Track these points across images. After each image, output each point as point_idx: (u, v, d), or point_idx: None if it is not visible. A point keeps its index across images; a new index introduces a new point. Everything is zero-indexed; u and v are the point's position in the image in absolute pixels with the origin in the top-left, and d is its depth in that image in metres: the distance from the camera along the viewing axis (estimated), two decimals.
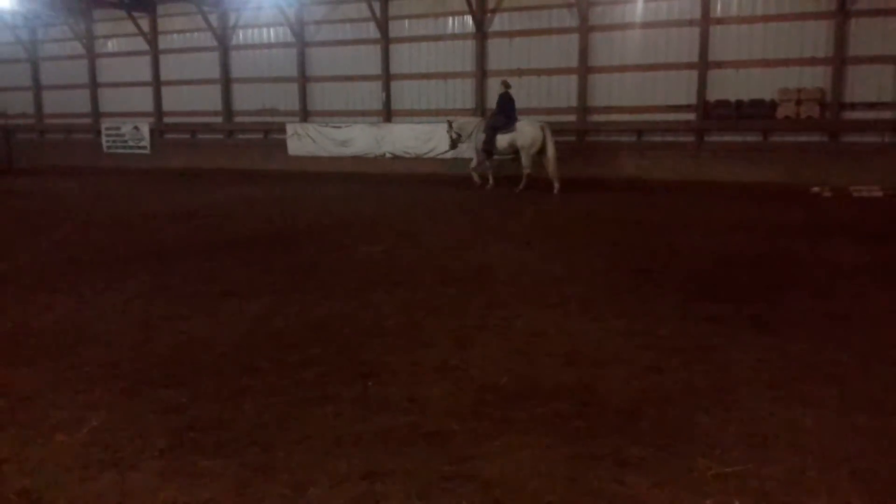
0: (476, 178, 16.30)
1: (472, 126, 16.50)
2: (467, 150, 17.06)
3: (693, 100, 16.98)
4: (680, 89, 17.10)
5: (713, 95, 16.79)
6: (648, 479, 3.23)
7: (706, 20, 16.63)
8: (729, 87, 16.64)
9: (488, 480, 3.23)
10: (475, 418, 3.90)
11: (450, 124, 17.03)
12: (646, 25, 17.22)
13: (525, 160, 15.35)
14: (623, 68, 17.59)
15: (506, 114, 15.72)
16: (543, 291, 6.72)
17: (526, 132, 15.37)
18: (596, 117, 18.13)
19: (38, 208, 13.60)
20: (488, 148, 15.78)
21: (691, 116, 17.09)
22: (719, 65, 16.70)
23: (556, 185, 15.15)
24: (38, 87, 26.06)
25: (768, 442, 3.60)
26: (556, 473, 3.28)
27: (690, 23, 16.79)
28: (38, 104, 26.18)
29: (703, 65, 16.76)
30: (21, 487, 3.21)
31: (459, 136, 16.78)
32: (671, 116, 17.29)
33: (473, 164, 16.46)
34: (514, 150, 15.54)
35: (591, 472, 3.29)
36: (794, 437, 3.64)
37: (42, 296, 6.71)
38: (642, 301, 6.34)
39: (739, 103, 16.55)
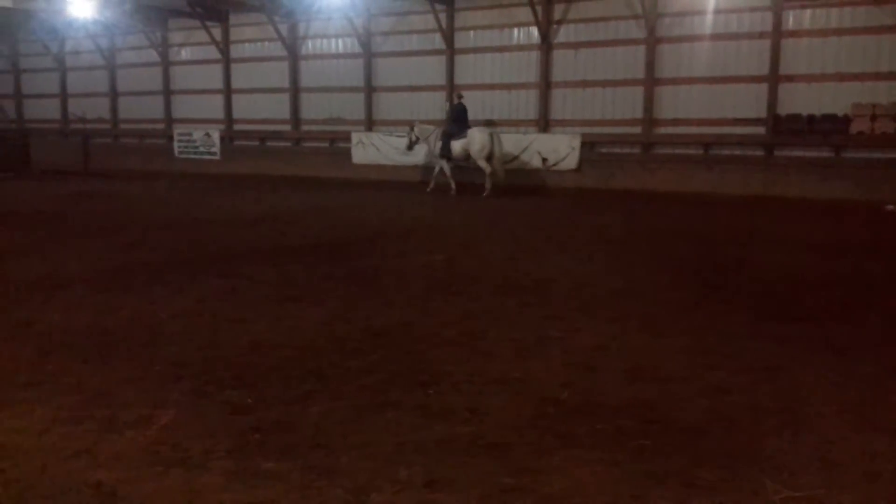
0: (432, 183, 17.62)
1: (430, 132, 17.90)
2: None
3: (763, 113, 16.60)
4: (749, 103, 16.73)
5: (784, 109, 16.38)
6: (714, 500, 3.17)
7: (777, 33, 16.24)
8: (800, 100, 16.21)
9: (549, 495, 3.21)
10: (535, 431, 3.88)
11: (411, 127, 18.40)
12: (715, 38, 16.91)
13: (482, 165, 16.67)
14: (691, 80, 17.30)
15: (459, 122, 17.30)
16: (605, 305, 6.66)
17: (476, 138, 16.73)
18: (662, 130, 17.88)
19: (112, 210, 14.07)
20: (445, 153, 17.22)
21: (761, 130, 16.71)
22: (790, 78, 16.28)
23: (488, 189, 16.49)
24: (114, 94, 26.99)
25: (839, 467, 3.49)
26: (619, 492, 3.24)
27: (761, 35, 16.42)
28: (114, 110, 27.10)
29: (774, 78, 16.37)
30: (95, 480, 3.32)
31: (418, 139, 18.20)
32: (740, 130, 16.93)
33: (436, 171, 17.75)
34: (468, 156, 16.93)
35: (655, 491, 3.24)
36: (867, 464, 3.52)
37: (115, 296, 6.93)
38: (708, 318, 6.22)
39: (811, 118, 16.10)
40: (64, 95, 28.20)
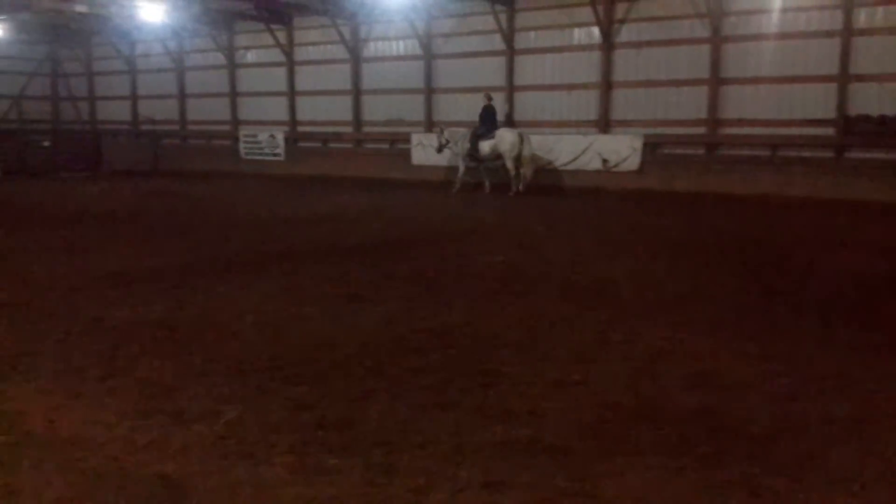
0: (458, 184, 17.88)
1: (460, 135, 18.14)
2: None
3: (832, 114, 16.07)
4: (818, 103, 16.22)
5: (854, 109, 15.83)
6: None
7: (848, 31, 15.70)
8: (872, 100, 15.64)
9: (610, 500, 3.18)
10: (596, 436, 3.85)
11: (441, 130, 18.78)
12: (782, 37, 16.45)
13: (509, 164, 17.07)
14: (757, 80, 16.87)
15: (488, 123, 17.56)
16: (668, 309, 6.55)
17: (505, 138, 17.12)
18: (727, 130, 17.50)
19: (180, 209, 14.46)
20: (473, 153, 17.64)
21: (830, 131, 16.18)
22: (861, 78, 15.71)
23: (521, 188, 16.96)
24: (182, 96, 27.71)
25: None
26: (681, 499, 3.19)
27: (830, 34, 15.93)
28: (183, 111, 27.81)
29: (844, 77, 15.83)
30: (163, 473, 3.42)
31: (448, 141, 18.41)
32: (808, 131, 16.43)
33: (461, 171, 18.06)
34: (497, 156, 17.31)
35: (720, 500, 3.18)
36: None
37: (184, 293, 7.13)
38: (776, 324, 6.06)
39: (883, 118, 15.50)
40: (134, 97, 29.06)
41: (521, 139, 17.08)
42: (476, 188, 17.78)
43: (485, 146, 17.44)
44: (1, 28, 23.92)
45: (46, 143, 25.88)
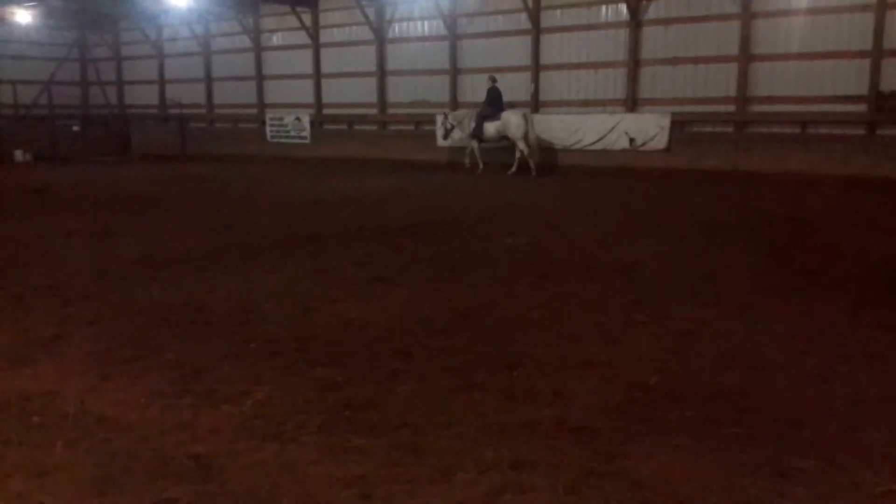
0: (468, 162, 18.74)
1: (464, 116, 18.94)
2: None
3: (864, 90, 15.73)
4: (850, 79, 15.88)
5: (888, 86, 15.48)
6: (810, 491, 3.06)
7: (883, 5, 15.33)
8: None
9: (637, 481, 3.17)
10: (623, 417, 3.83)
11: (445, 116, 19.73)
12: (814, 11, 16.13)
13: (520, 145, 17.58)
14: (787, 56, 16.56)
15: (493, 105, 18.14)
16: (696, 290, 6.49)
17: (511, 121, 17.64)
18: (756, 108, 17.22)
19: (208, 193, 14.59)
20: (478, 134, 18.25)
21: (862, 108, 15.86)
22: (895, 53, 15.39)
23: (534, 170, 17.32)
24: (209, 79, 27.86)
25: None
26: (709, 480, 3.17)
27: (864, 8, 15.56)
28: (209, 95, 27.99)
29: (878, 53, 15.46)
30: (194, 453, 3.47)
31: (453, 126, 19.35)
32: (839, 108, 16.11)
33: (468, 151, 18.77)
34: (502, 137, 17.86)
35: (747, 480, 3.15)
36: None
37: (212, 275, 7.20)
38: (805, 304, 5.99)
39: None
40: (162, 81, 29.29)
41: (526, 120, 17.59)
42: (486, 169, 18.23)
43: (490, 128, 17.99)
44: (31, 14, 24.21)
45: (76, 128, 26.19)
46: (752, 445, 3.48)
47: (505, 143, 18.05)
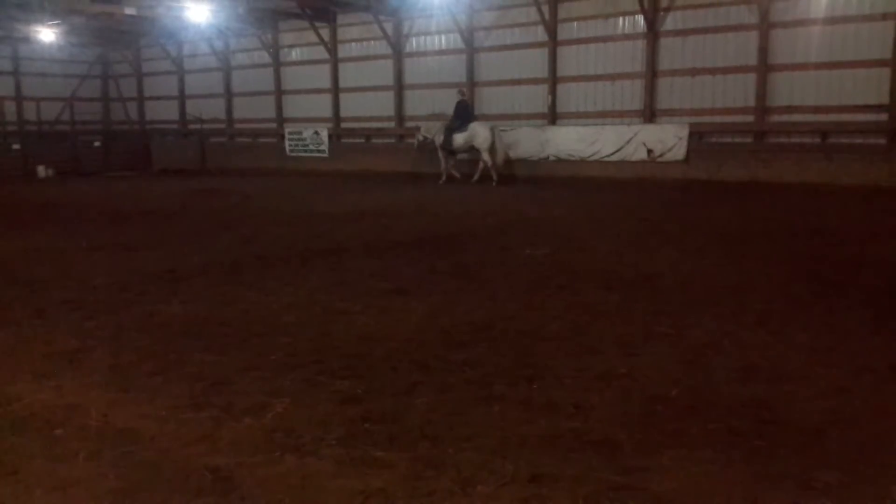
0: (444, 175, 19.39)
1: (436, 128, 19.48)
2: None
3: (886, 99, 15.57)
4: (870, 88, 15.74)
5: None
6: None
7: None
8: None
9: (659, 494, 3.14)
10: (643, 429, 3.80)
11: (419, 129, 20.18)
12: (832, 21, 16.04)
13: (485, 156, 18.33)
14: (806, 66, 16.47)
15: (461, 118, 18.84)
16: (716, 301, 6.44)
17: (478, 132, 18.43)
18: (776, 118, 17.12)
19: (228, 207, 14.68)
20: (447, 146, 19.05)
21: (884, 117, 15.72)
22: None
23: (495, 179, 18.18)
24: (229, 94, 28.11)
25: None
26: (733, 493, 3.14)
27: (884, 17, 15.46)
28: (229, 110, 28.22)
29: None
30: (214, 465, 3.47)
31: (426, 138, 19.78)
32: (860, 117, 15.99)
33: (442, 164, 19.45)
34: (470, 148, 18.73)
35: (771, 493, 3.12)
36: None
37: (232, 288, 7.24)
38: (827, 315, 5.93)
39: None
40: (182, 97, 29.58)
41: (493, 132, 18.37)
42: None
43: (458, 139, 18.80)
44: (54, 33, 24.55)
45: (97, 144, 26.50)
46: (776, 458, 3.44)
47: (473, 153, 18.97)
